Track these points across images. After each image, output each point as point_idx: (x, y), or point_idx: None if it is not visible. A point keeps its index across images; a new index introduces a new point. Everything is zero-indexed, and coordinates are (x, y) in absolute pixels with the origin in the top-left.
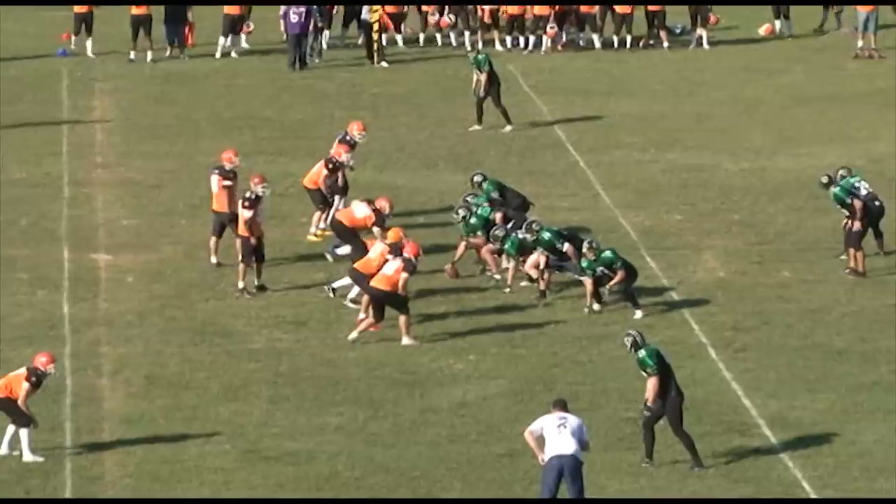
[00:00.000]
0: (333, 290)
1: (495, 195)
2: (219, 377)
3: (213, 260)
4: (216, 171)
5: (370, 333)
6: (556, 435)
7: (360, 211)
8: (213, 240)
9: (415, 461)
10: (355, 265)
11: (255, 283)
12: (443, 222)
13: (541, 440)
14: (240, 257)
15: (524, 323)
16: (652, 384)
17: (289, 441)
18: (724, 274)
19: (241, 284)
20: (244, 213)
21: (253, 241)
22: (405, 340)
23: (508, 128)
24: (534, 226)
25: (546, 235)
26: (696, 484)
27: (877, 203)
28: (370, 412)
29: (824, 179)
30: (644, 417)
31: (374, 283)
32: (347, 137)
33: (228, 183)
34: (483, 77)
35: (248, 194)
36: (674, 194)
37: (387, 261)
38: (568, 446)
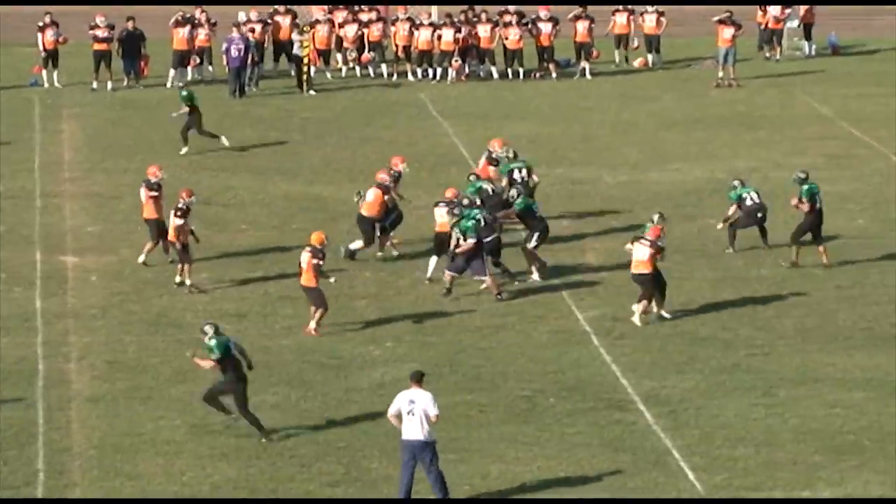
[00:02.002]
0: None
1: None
2: (171, 362)
3: (141, 259)
4: (144, 184)
5: (301, 324)
6: (406, 420)
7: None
8: (149, 244)
9: (340, 434)
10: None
11: (178, 280)
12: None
13: (400, 419)
14: (176, 258)
15: (434, 314)
16: (208, 364)
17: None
18: (605, 272)
19: (188, 281)
20: (175, 221)
21: (179, 245)
22: (311, 325)
23: (184, 149)
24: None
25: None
26: (581, 452)
27: (759, 215)
28: (301, 392)
29: (802, 175)
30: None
31: (301, 281)
32: (393, 172)
33: (154, 194)
34: (186, 109)
35: (179, 204)
36: (561, 204)
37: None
38: (415, 432)
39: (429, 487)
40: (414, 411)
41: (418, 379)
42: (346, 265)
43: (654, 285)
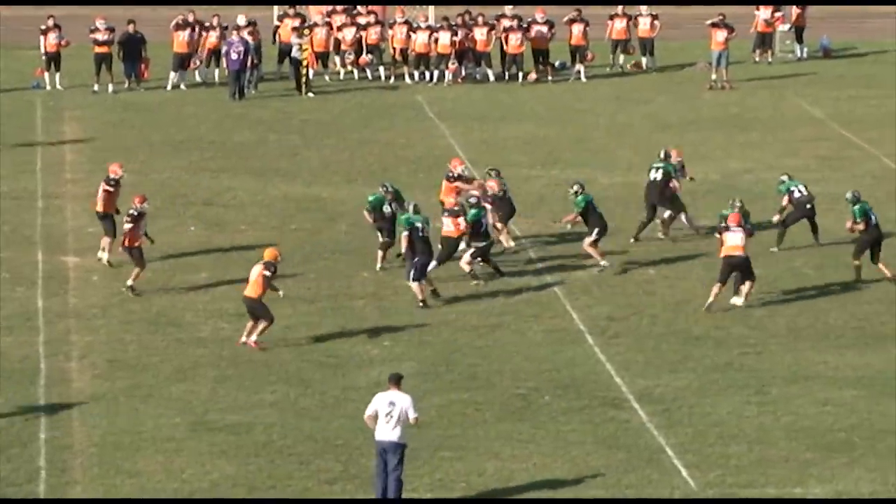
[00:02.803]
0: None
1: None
2: (171, 361)
3: (105, 257)
4: (104, 180)
5: (301, 323)
6: (383, 422)
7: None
8: (106, 240)
9: (338, 431)
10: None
11: (129, 283)
12: (362, 228)
13: (376, 420)
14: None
15: (431, 314)
16: None
17: (231, 414)
18: (598, 273)
19: (130, 282)
20: (125, 226)
21: (130, 249)
22: (252, 337)
23: None
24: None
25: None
26: (576, 450)
27: (808, 206)
28: (300, 390)
29: (851, 196)
30: None
31: (245, 292)
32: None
33: (110, 189)
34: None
35: (131, 210)
36: (557, 205)
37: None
38: (391, 433)
39: (424, 486)
40: (393, 413)
41: (397, 381)
42: (344, 264)
43: (748, 267)
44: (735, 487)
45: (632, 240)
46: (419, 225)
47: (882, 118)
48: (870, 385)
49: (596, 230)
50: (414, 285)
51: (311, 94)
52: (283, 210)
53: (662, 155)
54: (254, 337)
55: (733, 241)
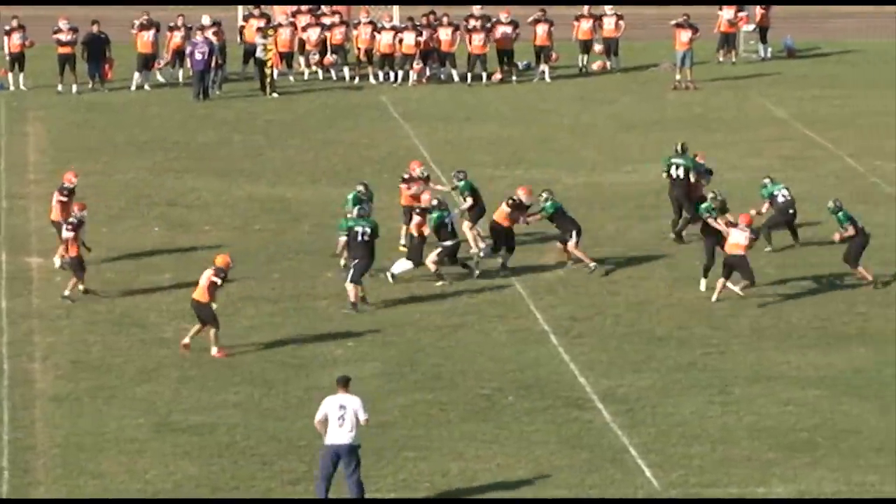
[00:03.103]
0: (393, 275)
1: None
2: (134, 361)
3: (57, 263)
4: (58, 189)
5: (265, 324)
6: (336, 426)
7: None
8: (63, 247)
9: (301, 432)
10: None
11: (81, 288)
12: (326, 228)
13: (326, 424)
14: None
15: (394, 314)
16: None
17: (194, 415)
18: (562, 273)
19: (67, 291)
20: (65, 234)
21: (69, 258)
22: (213, 351)
23: None
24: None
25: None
26: (540, 450)
27: (790, 211)
28: (263, 390)
29: (832, 205)
30: None
31: (193, 295)
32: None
33: (64, 199)
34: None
35: (70, 218)
36: None
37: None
38: (344, 436)
39: (388, 486)
40: (345, 416)
41: (345, 383)
42: (308, 265)
43: (748, 265)
44: (698, 487)
45: (672, 236)
46: (358, 229)
47: (845, 118)
48: (832, 385)
49: (574, 232)
50: (349, 287)
51: (275, 95)
52: (246, 210)
53: (679, 149)
54: (213, 350)
55: (737, 239)
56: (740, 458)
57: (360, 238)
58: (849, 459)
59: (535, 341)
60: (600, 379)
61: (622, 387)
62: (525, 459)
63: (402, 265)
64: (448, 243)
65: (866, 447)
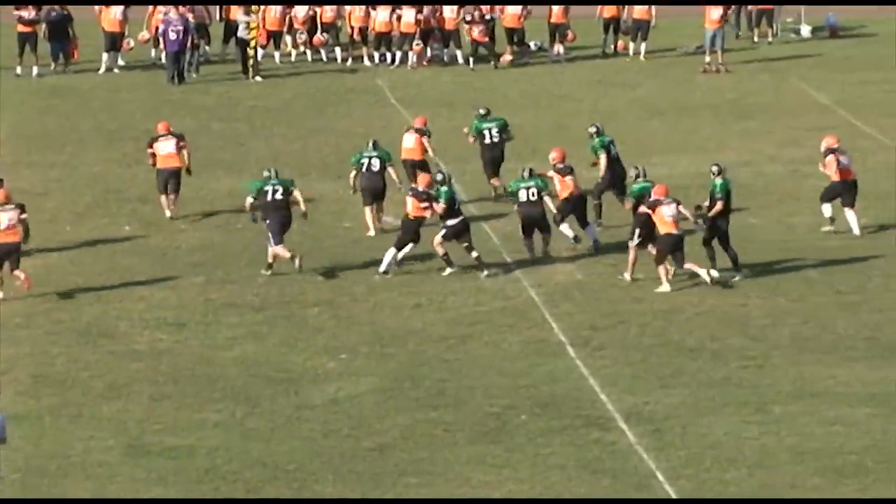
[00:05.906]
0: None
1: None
2: (103, 376)
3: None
4: None
5: (247, 334)
6: None
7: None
8: None
9: (290, 455)
10: None
11: None
12: (315, 227)
13: None
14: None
15: (393, 322)
16: None
17: (170, 437)
18: (581, 276)
19: None
20: None
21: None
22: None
23: None
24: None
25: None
26: (556, 475)
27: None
28: (247, 408)
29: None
30: None
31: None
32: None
33: None
34: None
35: None
36: None
37: None
38: None
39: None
40: None
41: None
42: (295, 270)
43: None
44: None
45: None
46: (268, 188)
47: (895, 104)
48: (884, 402)
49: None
50: (278, 249)
51: (258, 78)
52: (228, 207)
53: None
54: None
55: (663, 214)
56: (781, 484)
57: (270, 198)
58: None
59: (551, 353)
60: (624, 395)
61: (648, 404)
62: (539, 486)
63: (388, 254)
64: (454, 221)
65: None
